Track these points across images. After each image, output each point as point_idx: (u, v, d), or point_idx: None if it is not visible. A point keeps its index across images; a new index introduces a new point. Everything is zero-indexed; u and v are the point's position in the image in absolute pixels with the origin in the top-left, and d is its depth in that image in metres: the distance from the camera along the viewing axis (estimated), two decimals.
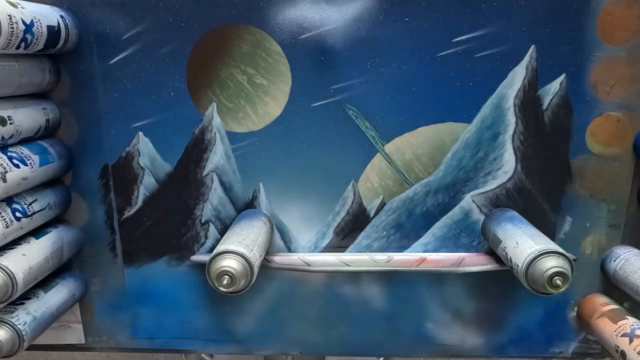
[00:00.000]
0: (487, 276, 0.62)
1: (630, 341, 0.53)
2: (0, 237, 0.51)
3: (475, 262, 0.61)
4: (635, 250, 0.59)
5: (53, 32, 0.52)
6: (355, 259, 0.62)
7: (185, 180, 0.61)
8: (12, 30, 0.46)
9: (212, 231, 0.63)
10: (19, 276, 0.51)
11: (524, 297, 0.64)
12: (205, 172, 0.61)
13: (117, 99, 0.59)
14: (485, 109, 0.58)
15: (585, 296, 0.63)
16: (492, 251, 0.60)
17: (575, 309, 0.64)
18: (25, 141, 0.56)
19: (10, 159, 0.52)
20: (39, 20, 0.50)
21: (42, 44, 0.51)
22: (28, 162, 0.54)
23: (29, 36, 0.49)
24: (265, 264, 0.62)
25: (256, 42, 0.57)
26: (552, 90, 0.57)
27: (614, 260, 0.60)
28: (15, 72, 0.51)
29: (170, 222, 0.63)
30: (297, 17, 0.56)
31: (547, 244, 0.51)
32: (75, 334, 0.68)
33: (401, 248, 0.63)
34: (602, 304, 0.61)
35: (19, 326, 0.54)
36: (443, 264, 0.61)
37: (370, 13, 0.55)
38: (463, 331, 0.66)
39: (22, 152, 0.54)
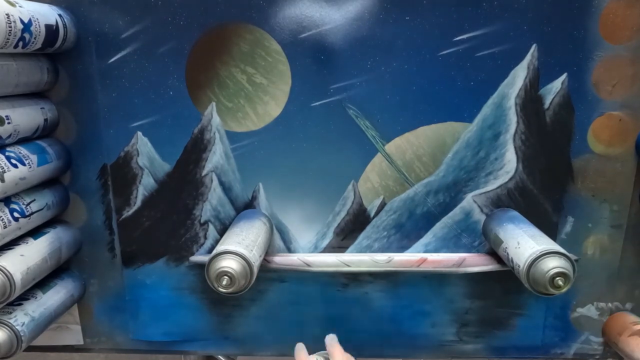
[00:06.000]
0: (488, 277, 0.62)
1: None
2: None
3: (476, 263, 0.61)
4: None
5: (51, 31, 0.52)
6: (355, 259, 0.61)
7: (184, 180, 0.61)
8: (10, 29, 0.46)
9: (212, 231, 0.63)
10: (17, 277, 0.51)
11: (525, 298, 0.64)
12: (204, 172, 0.61)
13: (116, 98, 0.58)
14: (487, 109, 0.57)
15: (614, 313, 0.63)
16: (493, 252, 0.59)
17: (578, 309, 0.64)
18: (23, 141, 0.55)
19: (8, 158, 0.51)
20: (37, 19, 0.50)
21: (40, 43, 0.51)
22: (26, 162, 0.53)
23: (27, 35, 0.48)
24: (265, 265, 0.61)
25: (255, 41, 0.57)
26: (553, 89, 0.57)
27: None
28: (13, 71, 0.51)
29: (169, 223, 0.62)
30: (296, 15, 0.55)
31: (549, 244, 0.51)
32: (73, 335, 0.68)
33: (402, 248, 0.63)
34: (633, 322, 0.60)
35: (17, 327, 0.53)
36: (444, 264, 0.61)
37: (370, 12, 0.55)
38: (464, 332, 0.66)
39: (20, 152, 0.53)
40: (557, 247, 0.50)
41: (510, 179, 0.59)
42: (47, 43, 0.52)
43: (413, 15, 0.55)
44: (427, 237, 0.62)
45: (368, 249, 0.63)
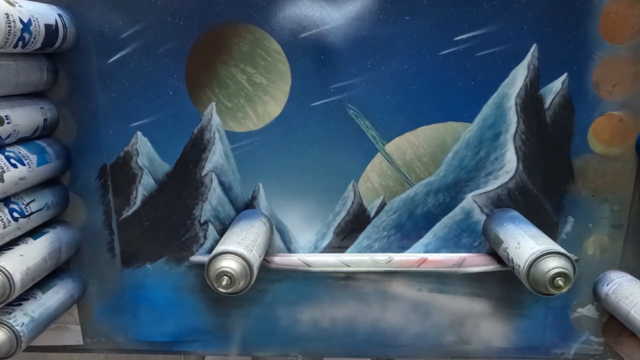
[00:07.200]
0: (488, 277, 0.62)
1: None
2: None
3: (476, 263, 0.61)
4: (629, 276, 0.59)
5: (51, 31, 0.52)
6: (355, 259, 0.61)
7: (184, 181, 0.61)
8: (9, 28, 0.46)
9: (211, 231, 0.63)
10: (17, 277, 0.51)
11: (525, 298, 0.64)
12: (204, 172, 0.61)
13: (116, 98, 0.58)
14: (487, 108, 0.57)
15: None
16: (494, 252, 0.59)
17: (578, 309, 0.64)
18: (23, 141, 0.55)
19: (7, 158, 0.51)
20: (37, 18, 0.50)
21: (39, 42, 0.51)
22: (26, 162, 0.53)
23: (26, 35, 0.48)
24: (265, 265, 0.61)
25: (255, 40, 0.56)
26: (554, 89, 0.57)
27: (607, 285, 0.59)
28: (12, 71, 0.51)
29: (169, 223, 0.62)
30: (296, 15, 0.55)
31: (549, 244, 0.51)
32: (73, 335, 0.67)
33: (402, 248, 0.63)
34: None
35: (16, 327, 0.53)
36: (444, 264, 0.61)
37: (370, 11, 0.55)
38: (464, 332, 0.66)
39: (19, 152, 0.53)
40: (557, 247, 0.50)
41: (511, 179, 0.59)
42: (46, 43, 0.52)
43: (413, 15, 0.55)
44: (427, 237, 0.62)
45: (368, 249, 0.63)
